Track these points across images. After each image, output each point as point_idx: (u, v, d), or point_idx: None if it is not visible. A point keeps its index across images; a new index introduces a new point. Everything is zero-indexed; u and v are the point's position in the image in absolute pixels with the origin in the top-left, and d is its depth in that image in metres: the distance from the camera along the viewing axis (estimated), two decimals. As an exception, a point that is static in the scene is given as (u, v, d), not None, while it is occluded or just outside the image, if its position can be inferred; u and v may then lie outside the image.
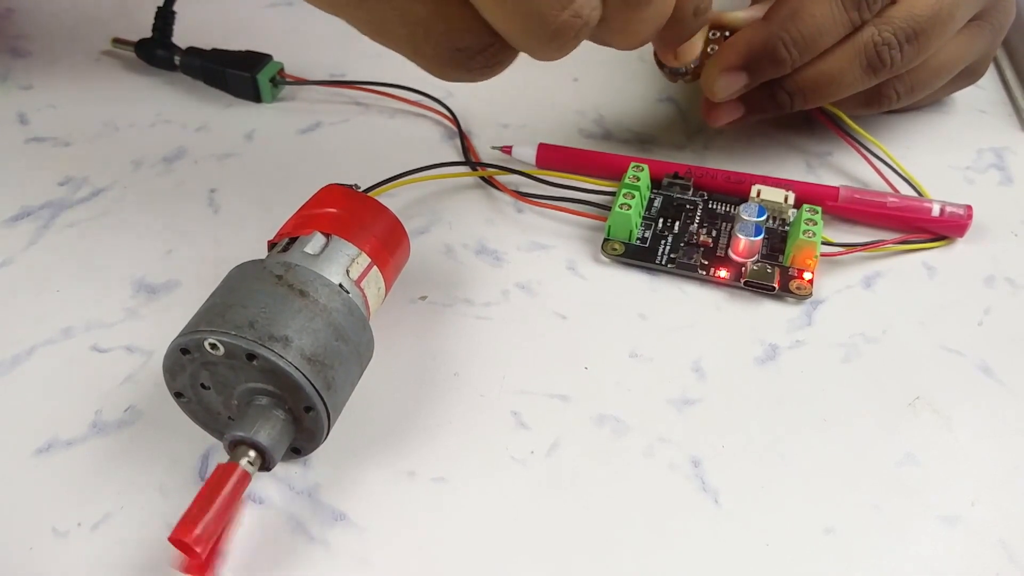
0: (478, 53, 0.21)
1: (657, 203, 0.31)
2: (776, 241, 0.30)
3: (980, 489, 0.24)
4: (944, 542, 0.22)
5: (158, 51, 0.38)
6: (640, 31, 0.24)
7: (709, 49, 0.32)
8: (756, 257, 0.29)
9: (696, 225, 0.31)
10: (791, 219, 0.30)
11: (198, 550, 0.19)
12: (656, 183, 0.32)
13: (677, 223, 0.31)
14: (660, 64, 0.32)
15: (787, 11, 0.29)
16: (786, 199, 0.30)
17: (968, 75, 0.34)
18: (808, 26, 0.29)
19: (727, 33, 0.32)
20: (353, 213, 0.25)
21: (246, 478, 0.21)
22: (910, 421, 0.25)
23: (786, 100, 0.31)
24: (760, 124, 0.34)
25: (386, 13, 0.21)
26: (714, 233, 0.30)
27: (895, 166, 0.32)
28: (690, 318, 0.28)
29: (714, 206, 0.31)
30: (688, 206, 0.31)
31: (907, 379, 0.26)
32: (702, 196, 0.32)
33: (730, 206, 0.31)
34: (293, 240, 0.24)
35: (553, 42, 0.21)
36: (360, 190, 0.28)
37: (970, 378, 0.26)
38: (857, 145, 0.33)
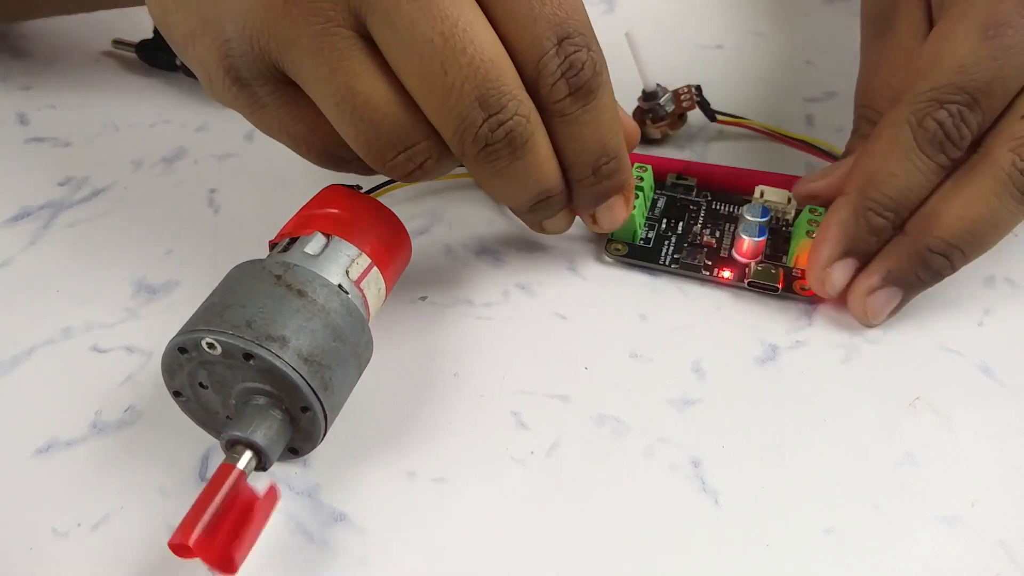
0: (352, 161, 0.25)
1: (661, 204, 0.31)
2: (780, 242, 0.30)
3: (980, 489, 0.23)
4: (944, 542, 0.22)
5: (158, 52, 0.38)
6: (509, 192, 0.25)
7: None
8: (760, 258, 0.29)
9: (700, 226, 0.31)
10: (794, 219, 0.30)
11: (195, 551, 0.19)
12: (660, 183, 0.32)
13: (681, 224, 0.31)
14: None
15: (863, 178, 0.26)
16: (789, 199, 0.30)
17: None
18: (892, 187, 0.26)
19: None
20: (354, 214, 0.25)
21: (244, 477, 0.21)
22: (910, 421, 0.25)
23: (943, 263, 0.26)
24: (760, 126, 0.34)
25: (273, 127, 0.25)
26: (718, 234, 0.30)
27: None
28: (690, 318, 0.28)
29: (717, 207, 0.31)
30: (692, 207, 0.31)
31: (907, 379, 0.26)
32: (705, 197, 0.32)
33: (734, 207, 0.31)
34: (294, 240, 0.24)
35: (393, 174, 0.24)
36: (362, 191, 0.28)
37: (970, 378, 0.26)
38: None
